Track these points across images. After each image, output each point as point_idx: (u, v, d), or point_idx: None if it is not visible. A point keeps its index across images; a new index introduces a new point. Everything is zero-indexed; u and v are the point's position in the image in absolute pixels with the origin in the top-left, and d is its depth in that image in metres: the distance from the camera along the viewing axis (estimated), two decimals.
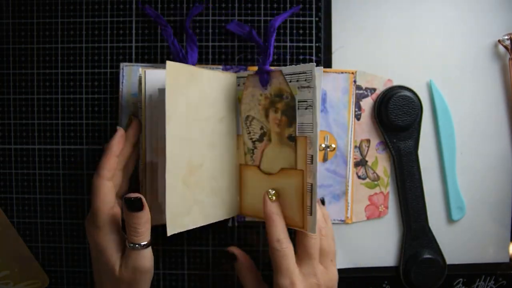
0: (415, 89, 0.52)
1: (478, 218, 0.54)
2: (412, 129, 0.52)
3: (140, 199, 0.42)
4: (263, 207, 0.45)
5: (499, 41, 0.53)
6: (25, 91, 0.53)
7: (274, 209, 0.45)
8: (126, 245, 0.43)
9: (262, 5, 0.52)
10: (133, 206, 0.42)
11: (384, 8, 0.53)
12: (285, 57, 0.52)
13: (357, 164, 0.52)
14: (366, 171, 0.53)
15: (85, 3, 0.52)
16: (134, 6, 0.52)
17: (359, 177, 0.53)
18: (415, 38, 0.53)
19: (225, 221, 0.52)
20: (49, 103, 0.53)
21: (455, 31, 0.53)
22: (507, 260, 0.55)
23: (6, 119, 0.53)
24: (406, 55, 0.53)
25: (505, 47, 0.52)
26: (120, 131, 0.46)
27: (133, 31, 0.52)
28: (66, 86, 0.52)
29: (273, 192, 0.45)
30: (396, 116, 0.51)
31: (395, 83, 0.52)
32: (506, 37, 0.52)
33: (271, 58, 0.47)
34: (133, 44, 0.52)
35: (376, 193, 0.53)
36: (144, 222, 0.42)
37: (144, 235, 0.42)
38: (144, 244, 0.42)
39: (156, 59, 0.52)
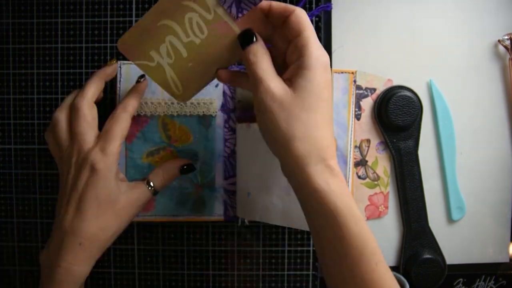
0: (415, 89, 0.52)
1: (478, 218, 0.54)
2: (412, 129, 0.52)
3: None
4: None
5: (499, 41, 0.53)
6: (25, 91, 0.53)
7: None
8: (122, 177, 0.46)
9: None
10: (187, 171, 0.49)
11: (384, 8, 0.53)
12: None
13: (357, 164, 0.52)
14: (366, 171, 0.53)
15: (85, 3, 0.52)
16: (134, 6, 0.52)
17: (359, 177, 0.53)
18: (415, 38, 0.53)
19: (229, 221, 0.52)
20: (49, 103, 0.53)
21: (455, 31, 0.53)
22: (507, 260, 0.55)
23: (6, 119, 0.53)
24: (406, 55, 0.53)
25: (505, 47, 0.52)
26: (116, 64, 0.47)
27: None
28: (66, 86, 0.52)
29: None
30: (396, 116, 0.51)
31: (395, 83, 0.52)
32: (506, 37, 0.52)
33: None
34: None
35: (376, 193, 0.53)
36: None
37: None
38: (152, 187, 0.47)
39: None
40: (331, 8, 0.51)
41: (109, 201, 0.43)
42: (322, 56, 0.37)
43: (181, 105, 0.50)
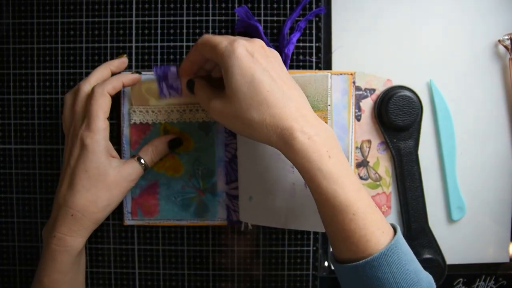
0: (415, 89, 0.52)
1: (478, 218, 0.54)
2: (412, 129, 0.52)
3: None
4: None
5: (499, 41, 0.53)
6: (25, 91, 0.53)
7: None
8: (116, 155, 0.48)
9: (262, 5, 0.52)
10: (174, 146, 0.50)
11: (384, 8, 0.53)
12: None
13: (358, 165, 0.52)
14: (368, 172, 0.53)
15: (85, 3, 0.52)
16: (134, 6, 0.52)
17: (361, 178, 0.53)
18: (415, 38, 0.53)
19: (230, 224, 0.52)
20: (49, 103, 0.53)
21: (455, 31, 0.53)
22: (507, 260, 0.55)
23: (6, 119, 0.53)
24: (406, 55, 0.53)
25: (505, 47, 0.52)
26: (125, 59, 0.51)
27: (133, 31, 0.52)
28: (66, 86, 0.52)
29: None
30: (396, 116, 0.51)
31: (395, 83, 0.52)
32: (506, 37, 0.52)
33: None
34: (133, 44, 0.52)
35: (378, 193, 0.53)
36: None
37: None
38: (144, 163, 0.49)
39: (156, 59, 0.52)
40: (324, 12, 0.51)
41: (99, 175, 0.45)
42: (227, 54, 0.40)
43: (180, 112, 0.51)
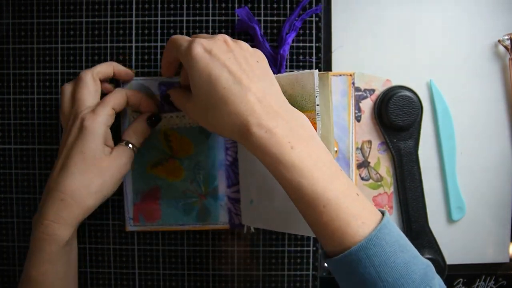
0: (415, 89, 0.52)
1: (478, 218, 0.54)
2: (412, 129, 0.52)
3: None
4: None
5: (499, 41, 0.53)
6: (25, 91, 0.53)
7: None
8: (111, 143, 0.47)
9: (262, 5, 0.52)
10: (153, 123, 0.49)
11: (384, 8, 0.53)
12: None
13: (359, 166, 0.52)
14: (369, 172, 0.53)
15: (85, 3, 0.52)
16: (134, 6, 0.52)
17: (362, 178, 0.53)
18: (415, 38, 0.53)
19: (232, 227, 0.52)
20: (49, 103, 0.53)
21: (455, 31, 0.53)
22: (507, 260, 0.55)
23: (6, 119, 0.53)
24: (406, 55, 0.53)
25: (505, 47, 0.52)
26: (133, 74, 0.50)
27: (133, 31, 0.52)
28: None
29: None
30: (396, 116, 0.51)
31: (395, 83, 0.52)
32: (506, 37, 0.52)
33: (283, 69, 0.50)
34: (133, 44, 0.52)
35: (380, 194, 0.53)
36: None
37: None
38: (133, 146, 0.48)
39: (156, 59, 0.52)
40: (320, 11, 0.51)
41: (94, 158, 0.44)
42: (185, 55, 0.40)
43: (180, 117, 0.51)
